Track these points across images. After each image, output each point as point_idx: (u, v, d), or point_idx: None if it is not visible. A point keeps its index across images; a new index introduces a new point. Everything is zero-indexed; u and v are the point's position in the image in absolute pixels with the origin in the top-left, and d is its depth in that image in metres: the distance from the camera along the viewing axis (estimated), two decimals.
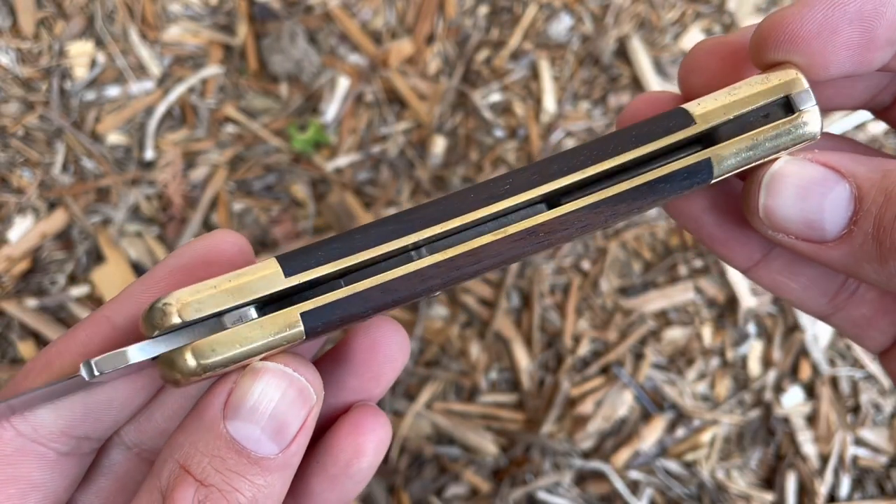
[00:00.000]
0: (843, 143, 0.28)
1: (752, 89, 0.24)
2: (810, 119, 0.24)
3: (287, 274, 0.21)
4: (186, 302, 0.20)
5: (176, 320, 0.20)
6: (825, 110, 0.24)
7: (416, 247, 0.22)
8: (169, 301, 0.20)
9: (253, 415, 0.21)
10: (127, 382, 0.23)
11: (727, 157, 0.24)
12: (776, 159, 0.24)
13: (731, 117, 0.24)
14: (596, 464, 0.65)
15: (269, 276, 0.21)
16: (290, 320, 0.21)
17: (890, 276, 0.22)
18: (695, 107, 0.24)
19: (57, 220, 0.70)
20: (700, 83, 0.25)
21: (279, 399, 0.21)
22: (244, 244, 0.24)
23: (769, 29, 0.23)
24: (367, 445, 0.24)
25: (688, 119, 0.24)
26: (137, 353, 0.21)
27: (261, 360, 0.22)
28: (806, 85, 0.23)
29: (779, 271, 0.27)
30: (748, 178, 0.24)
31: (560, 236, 0.23)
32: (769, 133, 0.24)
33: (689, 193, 0.24)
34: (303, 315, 0.21)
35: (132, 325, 0.23)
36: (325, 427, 0.25)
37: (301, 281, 0.21)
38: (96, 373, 0.20)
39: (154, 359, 0.21)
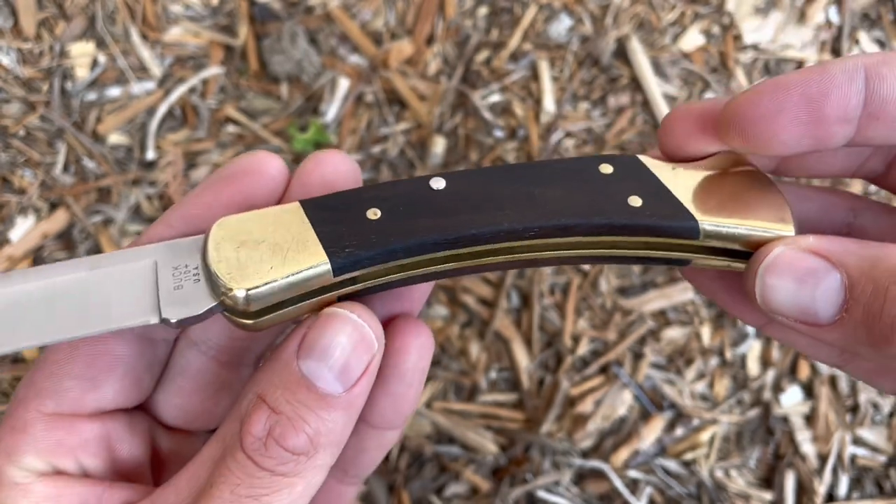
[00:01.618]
0: (809, 191, 0.30)
1: (755, 232, 0.26)
2: None
3: (336, 274, 0.25)
4: (253, 296, 0.24)
5: (243, 308, 0.24)
6: (808, 177, 0.27)
7: (445, 259, 0.26)
8: (235, 292, 0.24)
9: (323, 356, 0.24)
10: None
11: (704, 263, 0.27)
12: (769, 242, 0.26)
13: (728, 247, 0.27)
14: (595, 463, 0.65)
15: (321, 275, 0.25)
16: (329, 301, 0.26)
17: (884, 358, 0.23)
18: (706, 223, 0.26)
19: (58, 220, 0.70)
20: (674, 145, 0.28)
21: (347, 344, 0.24)
22: (281, 165, 0.28)
23: (729, 115, 0.26)
24: (410, 344, 0.28)
25: (695, 233, 0.26)
26: (210, 312, 0.25)
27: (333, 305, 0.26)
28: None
29: (788, 330, 0.28)
30: (748, 265, 0.26)
31: (550, 265, 0.28)
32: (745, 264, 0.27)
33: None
34: (340, 297, 0.26)
35: (184, 225, 0.27)
36: None
37: (345, 278, 0.25)
38: (174, 322, 0.25)
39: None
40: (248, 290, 0.24)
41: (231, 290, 0.24)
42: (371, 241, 0.25)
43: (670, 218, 0.26)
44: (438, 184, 0.27)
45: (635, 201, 0.26)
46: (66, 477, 0.26)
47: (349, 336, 0.24)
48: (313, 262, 0.24)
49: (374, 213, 0.26)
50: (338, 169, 0.28)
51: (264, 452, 0.23)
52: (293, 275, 0.24)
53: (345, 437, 0.25)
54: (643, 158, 0.28)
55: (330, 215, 0.26)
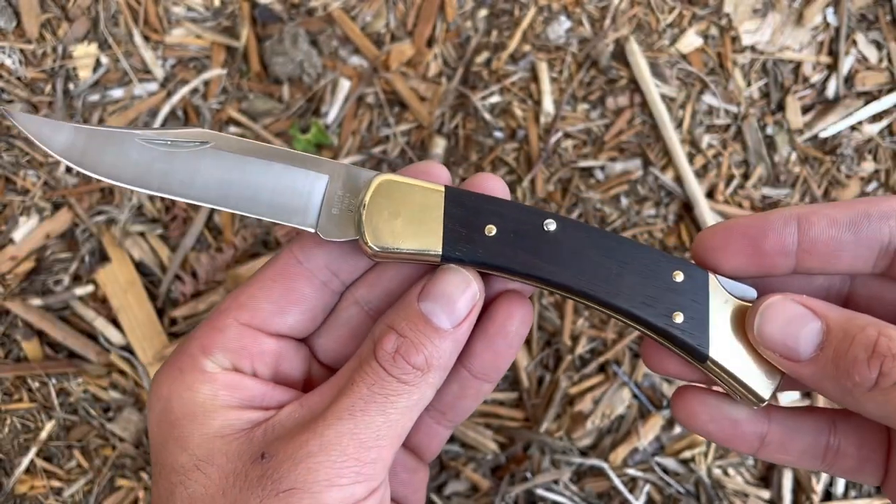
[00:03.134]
0: (795, 417, 0.38)
1: (740, 380, 0.33)
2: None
3: (443, 261, 0.33)
4: (381, 251, 0.33)
5: (372, 254, 0.34)
6: (826, 274, 0.34)
7: (528, 282, 0.35)
8: (371, 244, 0.33)
9: (437, 299, 0.32)
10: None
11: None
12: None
13: (719, 376, 0.34)
14: (594, 461, 0.66)
15: (432, 256, 0.33)
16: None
17: (843, 391, 0.30)
18: (714, 357, 0.33)
19: (61, 220, 0.71)
20: (715, 259, 0.35)
21: (456, 292, 0.32)
22: (446, 172, 0.35)
23: (694, 244, 0.36)
24: (515, 312, 0.35)
25: (702, 360, 0.34)
26: (349, 242, 0.34)
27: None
28: (769, 397, 0.34)
29: (775, 451, 0.36)
30: (752, 307, 0.33)
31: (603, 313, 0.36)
32: (731, 392, 0.35)
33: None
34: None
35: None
36: (487, 307, 0.35)
37: (448, 263, 0.34)
38: (324, 238, 0.34)
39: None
40: (380, 247, 0.33)
41: (368, 242, 0.33)
42: (478, 254, 0.33)
43: (692, 340, 0.33)
44: (550, 226, 0.33)
45: (678, 317, 0.33)
46: (241, 374, 0.34)
47: (458, 287, 0.32)
48: (431, 247, 0.33)
49: (490, 230, 0.33)
50: (494, 187, 0.35)
51: (392, 363, 0.32)
52: (413, 250, 0.33)
53: (450, 364, 0.33)
54: (712, 279, 0.34)
55: (459, 213, 0.33)
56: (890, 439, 0.36)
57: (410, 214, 0.33)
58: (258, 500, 0.29)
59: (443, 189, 0.33)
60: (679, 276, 0.34)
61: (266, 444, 0.31)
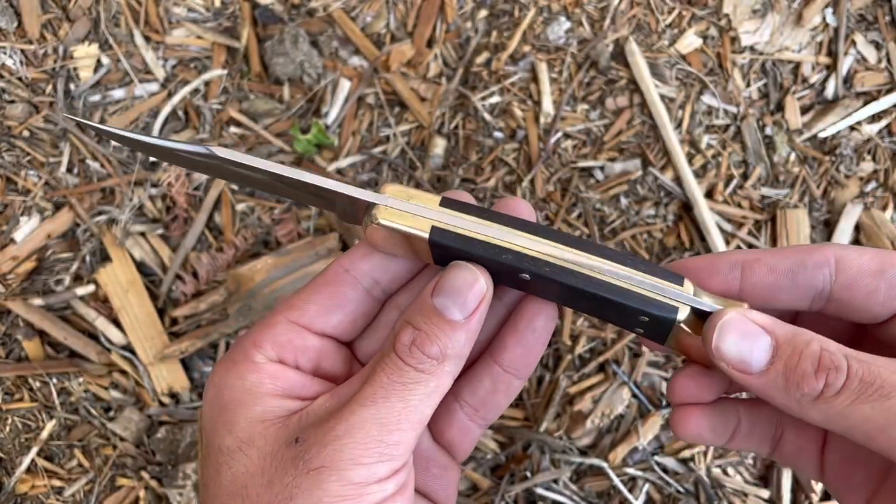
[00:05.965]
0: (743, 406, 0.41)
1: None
2: None
3: (436, 262, 0.36)
4: (378, 240, 0.36)
5: (381, 223, 0.36)
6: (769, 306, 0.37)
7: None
8: (378, 219, 0.35)
9: (448, 294, 0.35)
10: (405, 262, 0.39)
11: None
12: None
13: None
14: (594, 460, 0.66)
15: (425, 257, 0.36)
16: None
17: (791, 401, 0.33)
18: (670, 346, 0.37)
19: (62, 220, 0.71)
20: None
21: (465, 287, 0.35)
22: (528, 209, 0.38)
23: None
24: (542, 309, 0.38)
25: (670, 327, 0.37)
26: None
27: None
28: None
29: (743, 441, 0.40)
30: (707, 322, 0.35)
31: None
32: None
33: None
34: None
35: None
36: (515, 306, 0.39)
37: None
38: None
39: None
40: (384, 217, 0.36)
41: (375, 218, 0.36)
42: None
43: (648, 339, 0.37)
44: (525, 277, 0.36)
45: (638, 330, 0.37)
46: (285, 366, 0.37)
47: (466, 281, 0.35)
48: (424, 256, 0.36)
49: None
50: (520, 210, 0.38)
51: (409, 354, 0.34)
52: (410, 243, 0.36)
53: (465, 353, 0.35)
54: (678, 327, 0.36)
55: (444, 258, 0.36)
56: (825, 435, 0.40)
57: (404, 251, 0.37)
58: (291, 477, 0.33)
59: (427, 238, 0.36)
60: (645, 318, 0.36)
61: (300, 430, 0.34)
